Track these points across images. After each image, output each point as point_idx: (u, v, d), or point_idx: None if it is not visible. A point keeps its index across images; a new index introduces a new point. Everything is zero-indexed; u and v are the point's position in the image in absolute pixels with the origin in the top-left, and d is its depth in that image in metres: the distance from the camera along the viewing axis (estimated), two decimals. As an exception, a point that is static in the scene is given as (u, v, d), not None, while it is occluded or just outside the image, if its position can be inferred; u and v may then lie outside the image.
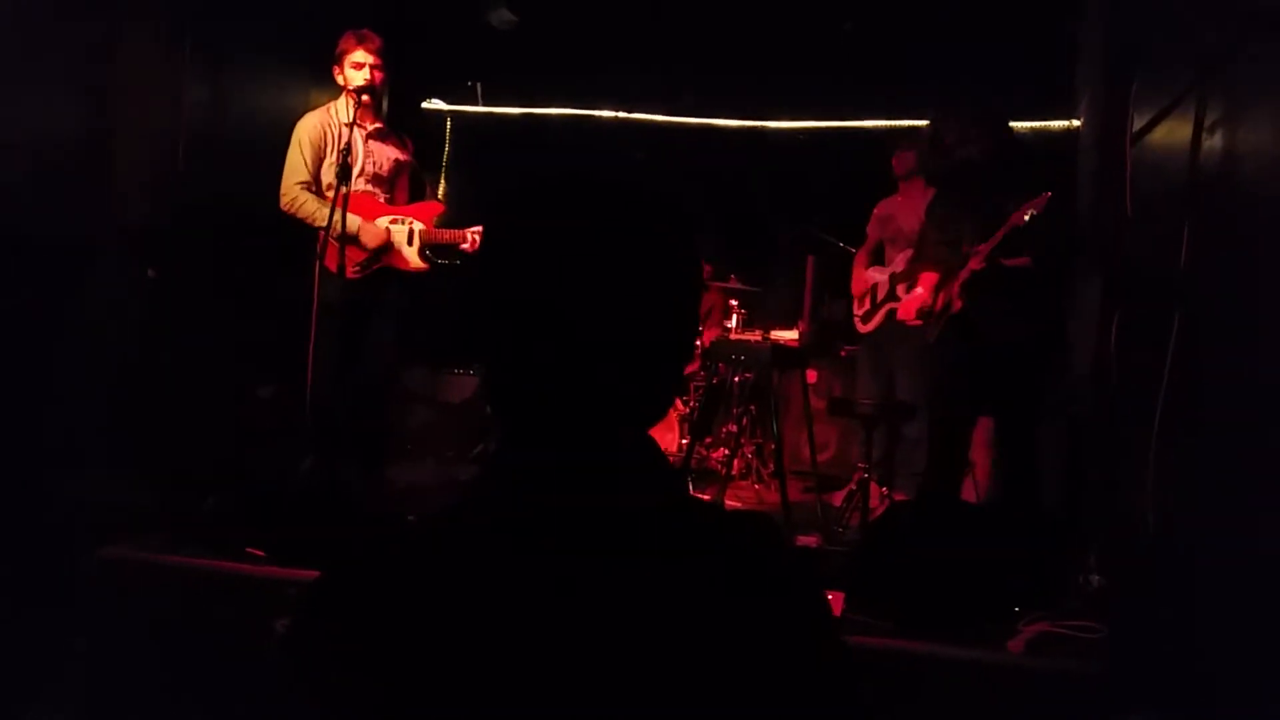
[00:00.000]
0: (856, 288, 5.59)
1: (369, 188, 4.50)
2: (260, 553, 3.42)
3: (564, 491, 0.98)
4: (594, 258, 0.98)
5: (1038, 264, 4.37)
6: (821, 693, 0.97)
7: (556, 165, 1.06)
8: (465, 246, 4.56)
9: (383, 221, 4.49)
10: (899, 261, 5.31)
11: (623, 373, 0.99)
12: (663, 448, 4.49)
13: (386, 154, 4.56)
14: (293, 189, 4.37)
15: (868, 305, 5.48)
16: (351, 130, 4.33)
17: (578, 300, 0.97)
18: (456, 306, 4.25)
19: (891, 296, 5.31)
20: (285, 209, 4.38)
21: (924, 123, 4.79)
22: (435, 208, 4.69)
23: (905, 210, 5.37)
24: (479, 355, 1.02)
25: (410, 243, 4.54)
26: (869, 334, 5.47)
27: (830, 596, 3.07)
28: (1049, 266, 4.32)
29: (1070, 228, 4.28)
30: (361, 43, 4.32)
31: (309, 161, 4.38)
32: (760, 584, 0.97)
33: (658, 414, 1.05)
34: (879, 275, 5.44)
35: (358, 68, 4.32)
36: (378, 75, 4.35)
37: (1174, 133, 3.25)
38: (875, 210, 5.56)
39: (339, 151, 4.27)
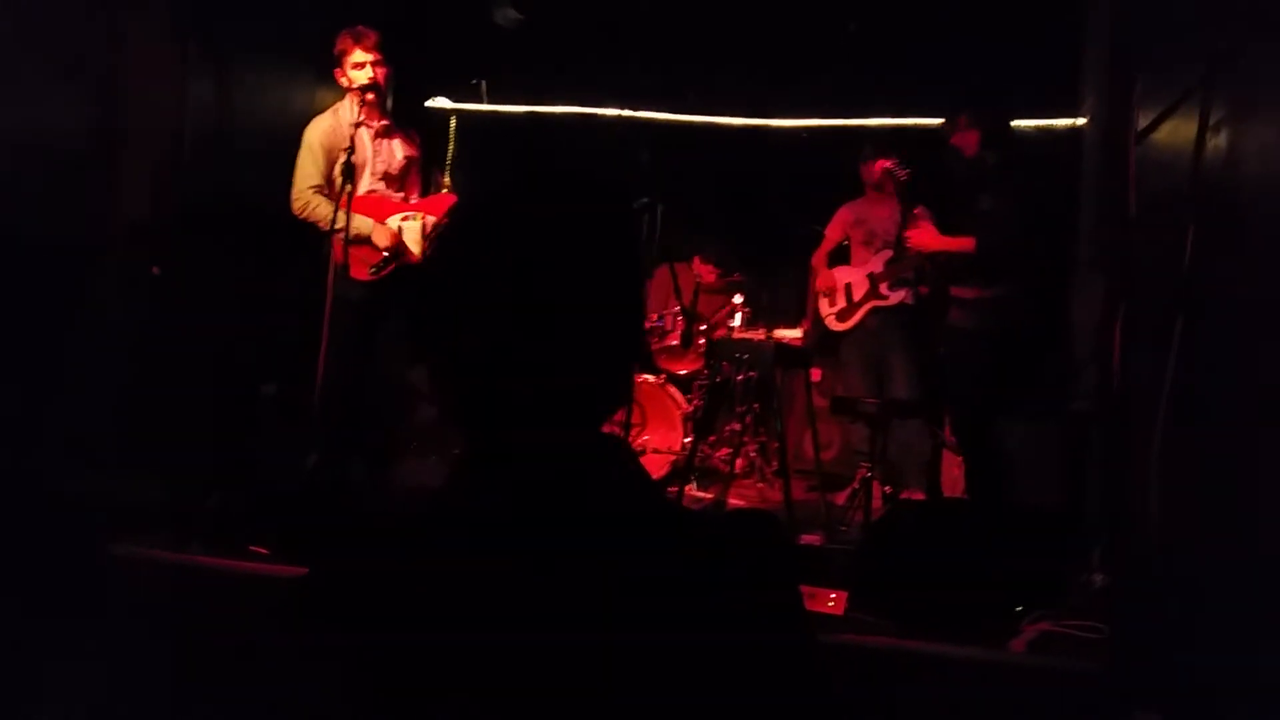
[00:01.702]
0: (823, 286, 5.61)
1: (381, 186, 4.50)
2: (264, 550, 3.42)
3: (527, 490, 0.99)
4: (535, 258, 1.00)
5: (981, 249, 4.41)
6: (787, 686, 0.98)
7: (555, 166, 1.07)
8: None
9: (395, 219, 4.49)
10: (875, 262, 5.37)
11: (571, 367, 1.00)
12: (666, 446, 4.49)
13: (396, 151, 4.56)
14: (305, 193, 4.36)
15: (841, 304, 5.51)
16: (358, 130, 4.32)
17: (517, 298, 0.98)
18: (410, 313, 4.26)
19: (874, 295, 5.35)
20: (298, 213, 4.38)
21: (920, 122, 4.84)
22: (448, 199, 4.68)
23: (879, 214, 5.42)
24: (429, 357, 1.03)
25: (425, 236, 4.54)
26: (849, 331, 5.50)
27: (834, 595, 3.08)
28: (995, 251, 4.35)
29: (1027, 214, 4.28)
30: (359, 41, 4.30)
31: (321, 165, 4.37)
32: (738, 572, 0.98)
33: (611, 406, 1.06)
34: (852, 274, 5.48)
35: (359, 67, 4.31)
36: (379, 72, 4.34)
37: (1178, 131, 3.25)
38: (841, 213, 5.60)
39: (344, 151, 4.27)
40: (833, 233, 5.66)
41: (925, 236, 4.84)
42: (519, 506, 0.98)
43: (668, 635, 0.93)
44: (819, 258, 5.68)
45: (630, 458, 1.05)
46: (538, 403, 1.00)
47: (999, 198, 4.40)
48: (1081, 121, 5.39)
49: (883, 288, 5.33)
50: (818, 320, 5.68)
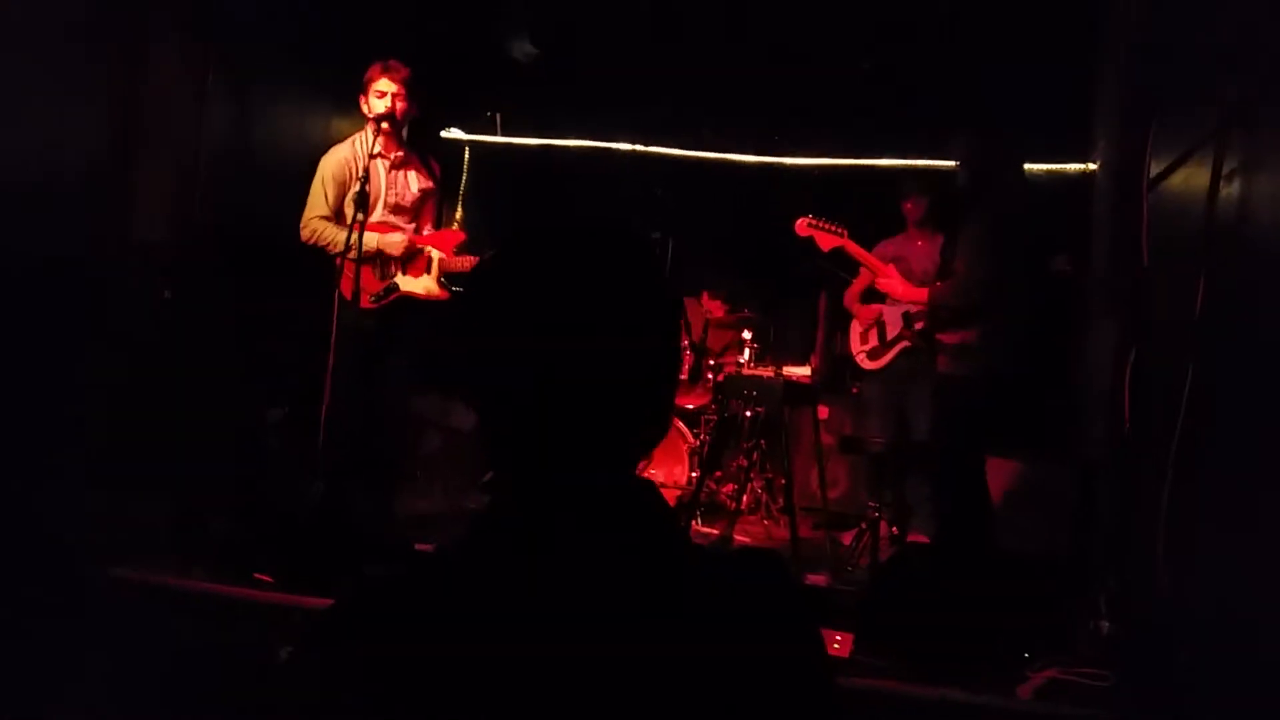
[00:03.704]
0: (859, 323, 5.57)
1: (390, 217, 4.53)
2: (268, 578, 3.41)
3: (563, 529, 1.00)
4: (574, 303, 1.01)
5: (949, 293, 4.40)
6: None
7: (568, 199, 1.09)
8: None
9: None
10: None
11: (610, 411, 1.02)
12: (672, 481, 4.47)
13: (410, 183, 4.59)
14: (312, 222, 4.40)
15: (874, 342, 5.46)
16: (373, 161, 4.35)
17: (560, 345, 1.00)
18: (446, 349, 4.27)
19: (907, 333, 5.29)
20: (306, 240, 4.41)
21: (929, 163, 4.81)
22: (456, 236, 4.70)
23: (917, 252, 5.36)
24: (470, 397, 1.05)
25: (429, 271, 4.56)
26: (878, 371, 5.44)
27: (839, 637, 3.06)
28: (958, 298, 4.32)
29: (992, 252, 4.24)
30: (386, 72, 4.36)
31: (330, 196, 4.41)
32: (756, 620, 0.99)
33: (646, 449, 1.08)
34: (887, 312, 5.42)
35: (380, 96, 4.36)
36: (399, 105, 4.37)
37: (1192, 179, 3.26)
38: (880, 249, 5.53)
39: (358, 181, 4.30)
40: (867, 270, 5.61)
41: (893, 285, 4.83)
42: (549, 543, 0.99)
43: (693, 676, 0.94)
44: (851, 296, 5.62)
45: (659, 502, 1.06)
46: (580, 442, 1.02)
47: (968, 236, 4.38)
48: (1093, 167, 5.41)
49: (919, 325, 5.26)
50: (832, 357, 5.65)
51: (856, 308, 5.58)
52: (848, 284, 5.68)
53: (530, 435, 1.02)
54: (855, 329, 5.57)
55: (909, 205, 5.45)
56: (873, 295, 5.58)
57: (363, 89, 4.41)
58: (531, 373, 1.00)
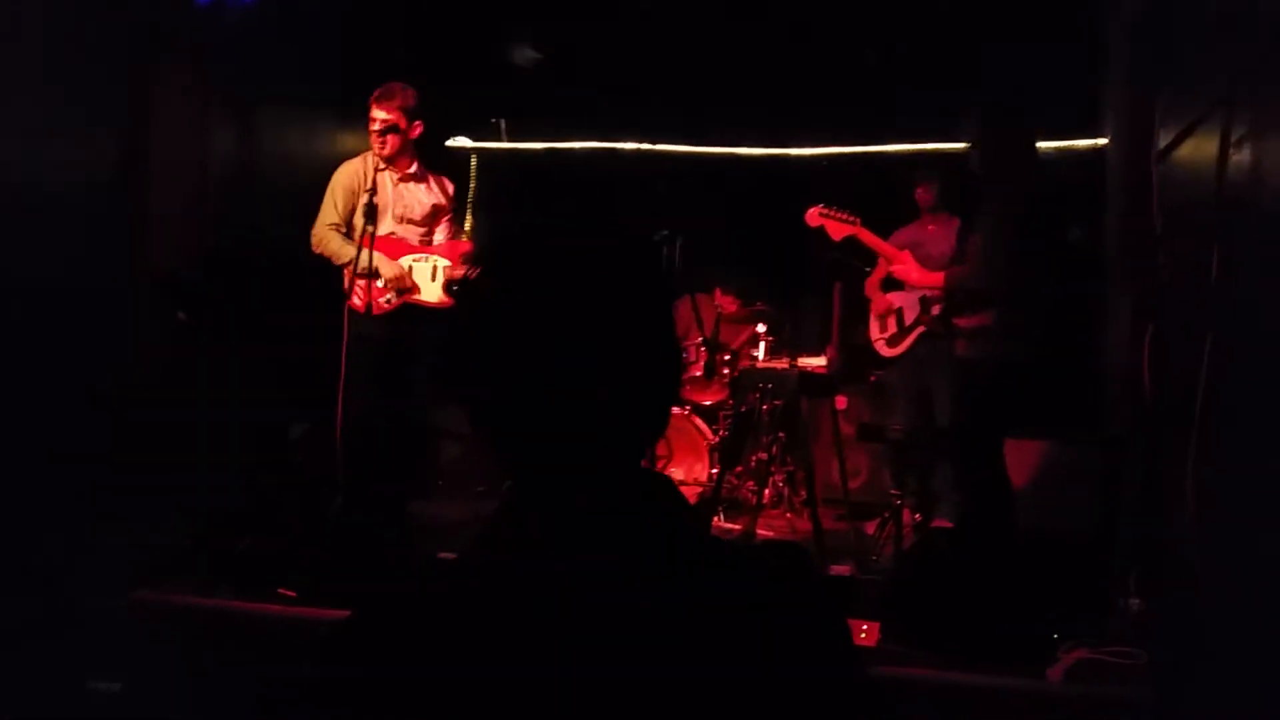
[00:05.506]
0: (877, 310, 5.54)
1: (398, 228, 4.55)
2: (292, 594, 3.43)
3: (575, 528, 0.99)
4: (569, 299, 1.00)
5: (966, 276, 4.36)
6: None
7: (576, 201, 1.08)
8: None
9: (406, 260, 4.52)
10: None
11: (612, 406, 1.00)
12: (693, 478, 4.44)
13: (419, 198, 4.61)
14: (320, 230, 4.45)
15: (893, 328, 5.42)
16: (379, 175, 4.39)
17: (558, 342, 0.99)
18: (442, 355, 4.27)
19: (925, 317, 5.25)
20: (314, 249, 4.46)
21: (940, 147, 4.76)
22: (462, 246, 4.71)
23: (934, 237, 5.32)
24: (467, 398, 1.03)
25: (434, 279, 4.57)
26: (899, 357, 5.41)
27: (866, 626, 3.04)
28: (975, 281, 4.28)
29: (1008, 235, 4.18)
30: (377, 101, 4.38)
31: (340, 206, 4.44)
32: (782, 613, 0.98)
33: (650, 440, 1.07)
34: (905, 298, 5.38)
35: (373, 121, 4.39)
36: (390, 139, 4.36)
37: (1200, 149, 3.22)
38: (896, 237, 5.49)
39: (367, 193, 4.33)
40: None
41: (907, 270, 4.78)
42: (563, 543, 0.99)
43: (718, 670, 0.94)
44: (872, 284, 5.59)
45: (671, 493, 1.05)
46: (578, 441, 1.00)
47: (984, 218, 4.33)
48: (1104, 142, 5.37)
49: (935, 309, 5.22)
50: (848, 347, 5.60)
51: (876, 295, 5.55)
52: (863, 273, 5.65)
53: (524, 438, 1.01)
54: (874, 317, 5.54)
55: (921, 191, 5.43)
56: (892, 283, 5.54)
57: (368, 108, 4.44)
58: (516, 375, 0.99)
